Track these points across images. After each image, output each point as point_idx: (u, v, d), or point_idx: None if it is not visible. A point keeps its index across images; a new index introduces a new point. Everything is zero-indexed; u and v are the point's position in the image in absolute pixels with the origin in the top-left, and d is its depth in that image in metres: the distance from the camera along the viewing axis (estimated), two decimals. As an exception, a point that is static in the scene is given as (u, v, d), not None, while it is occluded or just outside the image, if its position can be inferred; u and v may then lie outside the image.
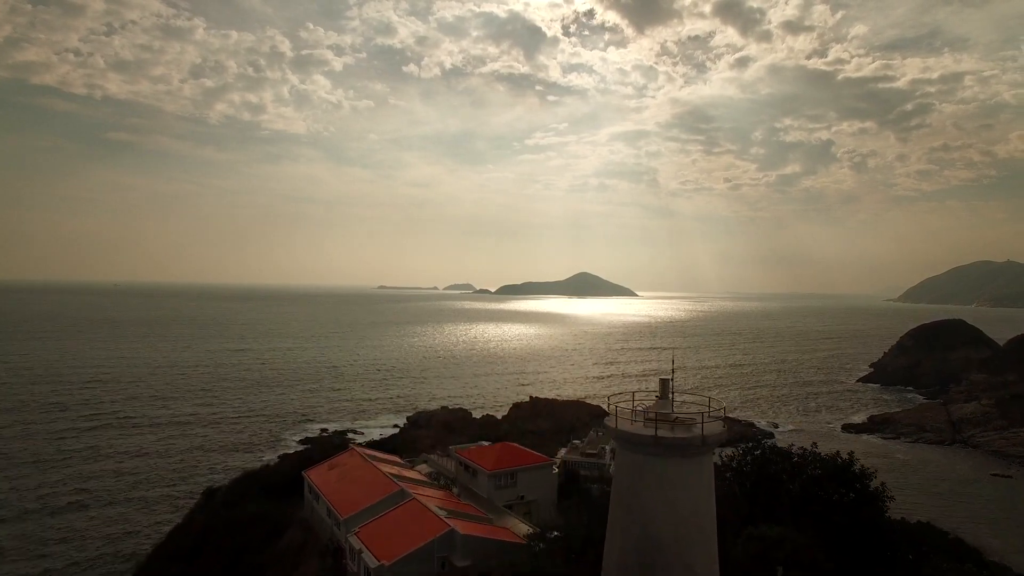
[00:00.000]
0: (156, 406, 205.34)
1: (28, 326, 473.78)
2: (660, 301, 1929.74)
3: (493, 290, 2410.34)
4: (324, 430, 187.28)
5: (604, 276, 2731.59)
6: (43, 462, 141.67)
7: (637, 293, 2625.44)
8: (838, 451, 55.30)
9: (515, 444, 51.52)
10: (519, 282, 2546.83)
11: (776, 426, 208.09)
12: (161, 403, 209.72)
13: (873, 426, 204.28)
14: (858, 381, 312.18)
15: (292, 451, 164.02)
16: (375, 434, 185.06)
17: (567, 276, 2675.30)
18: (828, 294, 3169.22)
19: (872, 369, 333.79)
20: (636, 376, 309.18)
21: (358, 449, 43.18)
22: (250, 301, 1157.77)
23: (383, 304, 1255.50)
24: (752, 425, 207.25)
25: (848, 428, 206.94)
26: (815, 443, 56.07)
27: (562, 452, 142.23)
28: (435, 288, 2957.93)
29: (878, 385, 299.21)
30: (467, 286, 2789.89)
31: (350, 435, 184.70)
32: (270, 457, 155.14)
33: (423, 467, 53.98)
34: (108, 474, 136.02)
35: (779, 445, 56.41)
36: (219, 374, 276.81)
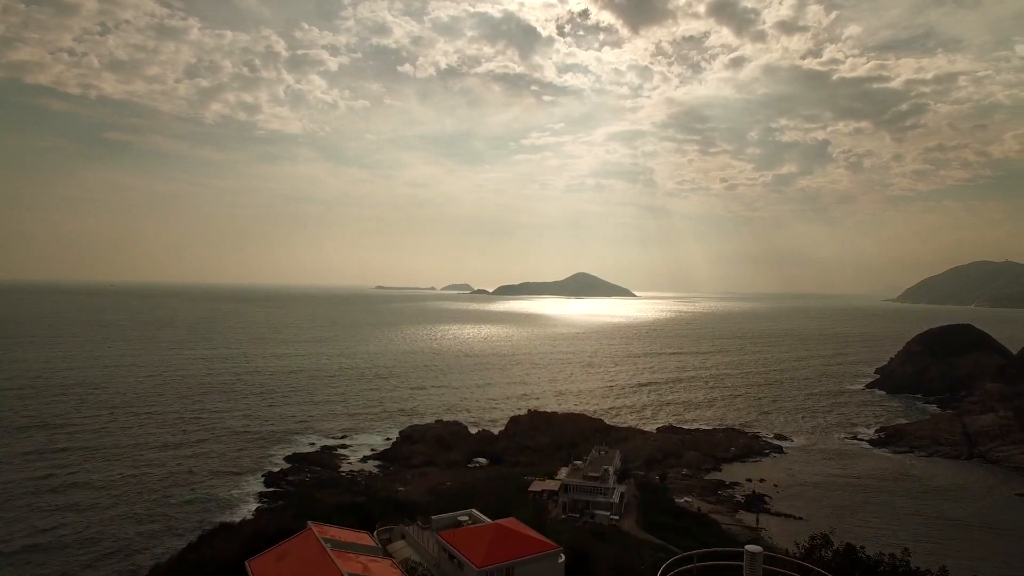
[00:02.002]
0: (141, 418, 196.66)
1: (20, 329, 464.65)
2: (658, 301, 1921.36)
3: (491, 290, 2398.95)
4: (312, 445, 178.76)
5: (602, 276, 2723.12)
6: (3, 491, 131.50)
7: (635, 293, 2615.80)
8: (927, 570, 44.29)
9: (514, 523, 43.15)
10: (517, 282, 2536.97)
11: (784, 439, 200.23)
12: (147, 416, 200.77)
13: (885, 439, 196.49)
14: (864, 388, 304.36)
15: (277, 469, 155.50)
16: (367, 449, 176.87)
17: (565, 276, 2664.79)
18: (825, 294, 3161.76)
19: (878, 375, 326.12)
20: (639, 387, 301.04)
21: (316, 530, 35.31)
22: (248, 303, 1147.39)
23: (381, 304, 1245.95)
24: (758, 437, 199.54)
25: (859, 441, 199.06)
26: (906, 549, 45.14)
27: (563, 472, 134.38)
28: (433, 288, 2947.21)
29: (885, 392, 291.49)
30: (465, 286, 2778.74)
31: (340, 450, 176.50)
32: (254, 479, 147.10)
33: (400, 544, 45.89)
34: (71, 510, 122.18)
35: (854, 555, 44.53)
36: (210, 382, 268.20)
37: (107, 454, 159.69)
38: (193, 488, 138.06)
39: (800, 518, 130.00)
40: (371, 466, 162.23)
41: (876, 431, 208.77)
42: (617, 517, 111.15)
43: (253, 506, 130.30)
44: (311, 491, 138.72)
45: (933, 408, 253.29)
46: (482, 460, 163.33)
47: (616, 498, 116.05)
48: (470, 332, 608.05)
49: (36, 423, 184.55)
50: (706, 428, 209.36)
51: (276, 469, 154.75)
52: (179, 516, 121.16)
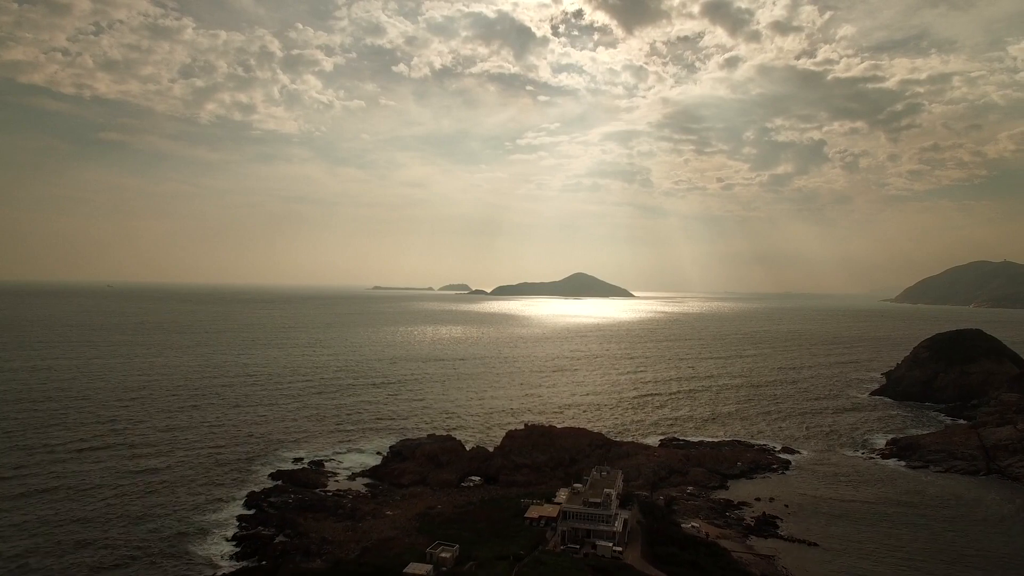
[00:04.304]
0: (123, 434, 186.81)
1: (9, 334, 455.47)
2: (656, 302, 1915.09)
3: (489, 291, 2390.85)
4: (298, 460, 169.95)
5: (600, 276, 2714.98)
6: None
7: (633, 293, 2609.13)
8: None
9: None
10: (515, 283, 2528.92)
11: (792, 451, 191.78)
12: (129, 430, 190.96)
13: (899, 451, 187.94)
14: (871, 395, 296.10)
15: (260, 489, 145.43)
16: (356, 465, 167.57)
17: (563, 276, 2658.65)
18: (822, 294, 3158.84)
19: (885, 380, 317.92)
20: (639, 396, 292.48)
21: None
22: (244, 304, 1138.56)
23: (377, 305, 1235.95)
24: (767, 451, 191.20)
25: (871, 454, 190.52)
26: None
27: (562, 494, 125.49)
28: (430, 288, 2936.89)
29: (893, 400, 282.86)
30: (463, 286, 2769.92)
31: (327, 465, 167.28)
32: (235, 500, 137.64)
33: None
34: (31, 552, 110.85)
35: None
36: (198, 391, 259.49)
37: (83, 472, 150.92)
38: (169, 513, 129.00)
39: (815, 544, 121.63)
40: (359, 485, 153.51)
41: (887, 443, 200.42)
42: (620, 549, 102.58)
43: (231, 532, 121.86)
44: (293, 515, 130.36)
45: (944, 417, 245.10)
46: (476, 479, 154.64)
47: (619, 526, 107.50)
48: (466, 335, 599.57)
49: (10, 442, 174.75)
50: (711, 441, 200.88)
51: (259, 489, 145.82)
52: (142, 556, 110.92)
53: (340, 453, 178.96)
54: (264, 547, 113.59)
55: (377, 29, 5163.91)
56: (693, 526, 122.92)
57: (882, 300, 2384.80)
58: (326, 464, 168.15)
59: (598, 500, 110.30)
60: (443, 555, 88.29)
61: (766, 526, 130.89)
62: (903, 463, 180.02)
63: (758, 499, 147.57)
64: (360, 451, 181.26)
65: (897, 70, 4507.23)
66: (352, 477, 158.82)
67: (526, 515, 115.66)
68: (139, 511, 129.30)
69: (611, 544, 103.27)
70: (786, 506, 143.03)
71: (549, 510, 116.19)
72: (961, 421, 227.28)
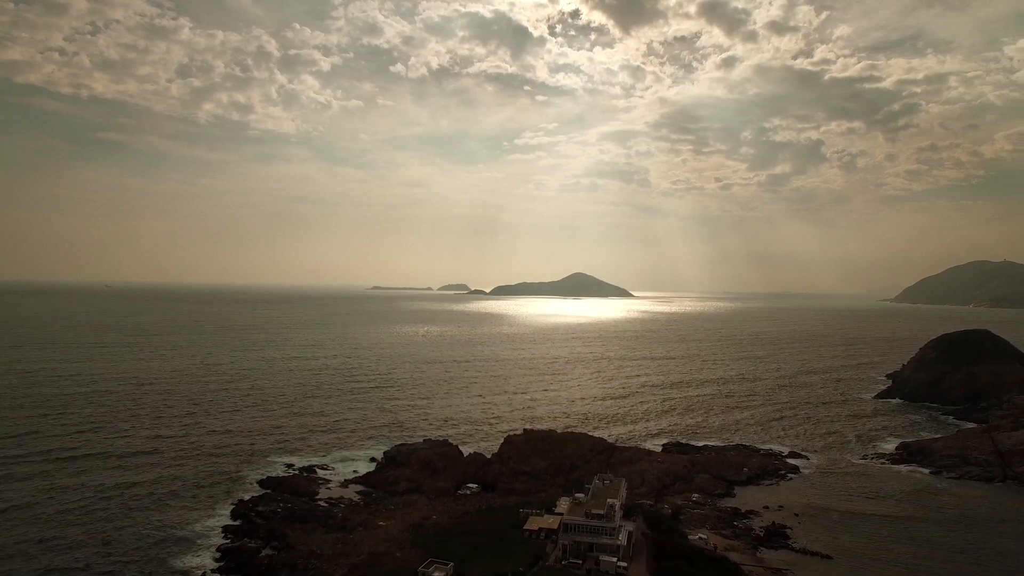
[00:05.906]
0: (110, 439, 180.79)
1: (3, 336, 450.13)
2: (655, 302, 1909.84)
3: (488, 291, 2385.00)
4: (290, 466, 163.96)
5: (599, 276, 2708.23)
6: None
7: (632, 293, 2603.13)
8: None
9: None
10: (514, 283, 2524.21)
11: (799, 456, 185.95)
12: (116, 436, 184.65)
13: (909, 456, 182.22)
14: (877, 397, 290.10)
15: (248, 497, 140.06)
16: (349, 471, 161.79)
17: (562, 276, 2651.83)
18: (820, 294, 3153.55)
19: (891, 382, 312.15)
20: (641, 399, 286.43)
21: None
22: (242, 304, 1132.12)
23: (375, 305, 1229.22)
24: (773, 455, 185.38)
25: (881, 459, 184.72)
26: None
27: (562, 503, 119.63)
28: (429, 288, 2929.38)
29: (900, 402, 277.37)
30: (462, 286, 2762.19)
31: (320, 471, 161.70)
32: (221, 509, 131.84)
33: None
34: None
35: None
36: (189, 390, 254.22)
37: (69, 481, 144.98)
38: (153, 523, 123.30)
39: (828, 556, 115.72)
40: (352, 492, 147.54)
41: (897, 447, 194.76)
42: (625, 564, 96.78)
43: (216, 543, 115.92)
44: (281, 526, 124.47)
45: (952, 420, 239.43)
46: (473, 486, 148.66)
47: (623, 538, 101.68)
48: (464, 336, 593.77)
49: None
50: (716, 445, 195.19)
51: (247, 497, 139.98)
52: (123, 569, 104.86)
53: (334, 458, 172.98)
54: (249, 560, 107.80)
55: (374, 29, 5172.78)
56: (701, 537, 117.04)
57: (881, 300, 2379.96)
58: (318, 470, 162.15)
59: (601, 511, 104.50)
60: (437, 574, 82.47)
61: (776, 537, 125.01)
62: (915, 468, 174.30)
63: (767, 507, 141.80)
64: (354, 457, 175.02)
65: (894, 70, 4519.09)
66: (344, 484, 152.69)
67: (525, 527, 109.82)
68: (122, 521, 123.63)
69: (615, 559, 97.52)
70: (796, 515, 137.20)
71: (549, 521, 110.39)
72: (971, 424, 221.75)
